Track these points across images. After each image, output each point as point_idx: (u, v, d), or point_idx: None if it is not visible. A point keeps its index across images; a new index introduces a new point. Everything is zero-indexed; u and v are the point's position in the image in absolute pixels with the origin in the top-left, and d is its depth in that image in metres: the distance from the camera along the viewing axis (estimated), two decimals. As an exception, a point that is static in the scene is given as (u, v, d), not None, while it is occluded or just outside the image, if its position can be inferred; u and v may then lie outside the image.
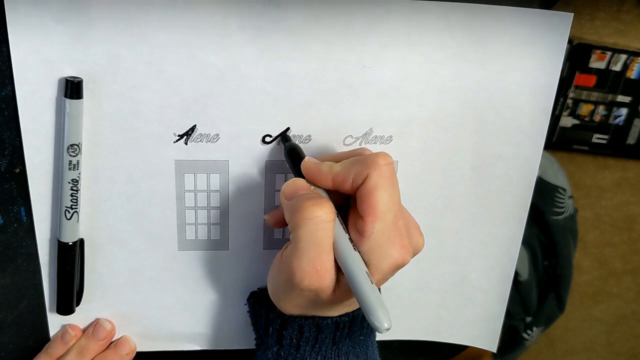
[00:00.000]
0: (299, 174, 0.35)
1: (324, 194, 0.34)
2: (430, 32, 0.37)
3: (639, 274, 0.90)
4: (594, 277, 0.89)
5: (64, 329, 0.42)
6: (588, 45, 0.67)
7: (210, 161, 0.39)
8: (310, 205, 0.31)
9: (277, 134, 0.38)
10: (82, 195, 0.38)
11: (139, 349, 0.43)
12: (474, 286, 0.46)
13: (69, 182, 0.36)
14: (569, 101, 0.71)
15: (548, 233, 0.71)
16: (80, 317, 0.42)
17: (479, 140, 0.41)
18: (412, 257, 0.33)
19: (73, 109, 0.35)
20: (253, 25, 0.35)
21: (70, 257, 0.38)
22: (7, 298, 0.40)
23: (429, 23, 0.37)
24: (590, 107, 0.72)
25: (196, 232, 0.41)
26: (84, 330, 0.42)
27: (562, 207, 0.70)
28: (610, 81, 0.70)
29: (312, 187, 0.34)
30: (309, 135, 0.39)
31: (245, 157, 0.39)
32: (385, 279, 0.33)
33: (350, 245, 0.31)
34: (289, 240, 0.33)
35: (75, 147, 0.36)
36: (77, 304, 0.41)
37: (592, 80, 0.70)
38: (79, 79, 0.35)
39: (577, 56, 0.68)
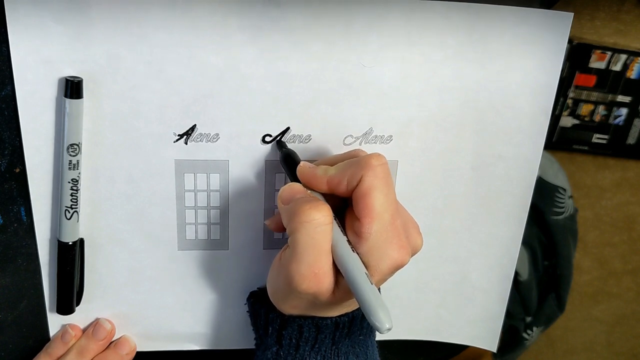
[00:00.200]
0: (295, 179, 0.35)
1: (320, 198, 0.34)
2: (431, 31, 0.37)
3: (639, 274, 0.90)
4: (594, 277, 0.89)
5: (64, 329, 0.42)
6: (588, 45, 0.67)
7: (210, 161, 0.39)
8: (308, 208, 0.31)
9: (277, 134, 0.38)
10: (82, 195, 0.38)
11: (139, 349, 0.43)
12: (474, 286, 0.46)
13: (69, 182, 0.36)
14: (569, 101, 0.71)
15: (548, 233, 0.71)
16: (80, 317, 0.42)
17: (479, 140, 0.41)
18: (411, 256, 0.33)
19: (73, 108, 0.35)
20: (253, 25, 0.35)
21: (70, 257, 0.38)
22: (7, 298, 0.40)
23: (429, 23, 0.37)
24: (590, 107, 0.72)
25: (196, 232, 0.41)
26: (84, 330, 0.42)
27: (562, 207, 0.70)
28: (610, 81, 0.70)
29: (309, 191, 0.34)
30: (309, 135, 0.39)
31: (245, 157, 0.39)
32: (384, 279, 0.32)
33: (348, 247, 0.31)
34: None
35: (75, 147, 0.36)
36: (77, 304, 0.41)
37: (592, 80, 0.70)
38: (79, 79, 0.35)
39: (577, 56, 0.68)
